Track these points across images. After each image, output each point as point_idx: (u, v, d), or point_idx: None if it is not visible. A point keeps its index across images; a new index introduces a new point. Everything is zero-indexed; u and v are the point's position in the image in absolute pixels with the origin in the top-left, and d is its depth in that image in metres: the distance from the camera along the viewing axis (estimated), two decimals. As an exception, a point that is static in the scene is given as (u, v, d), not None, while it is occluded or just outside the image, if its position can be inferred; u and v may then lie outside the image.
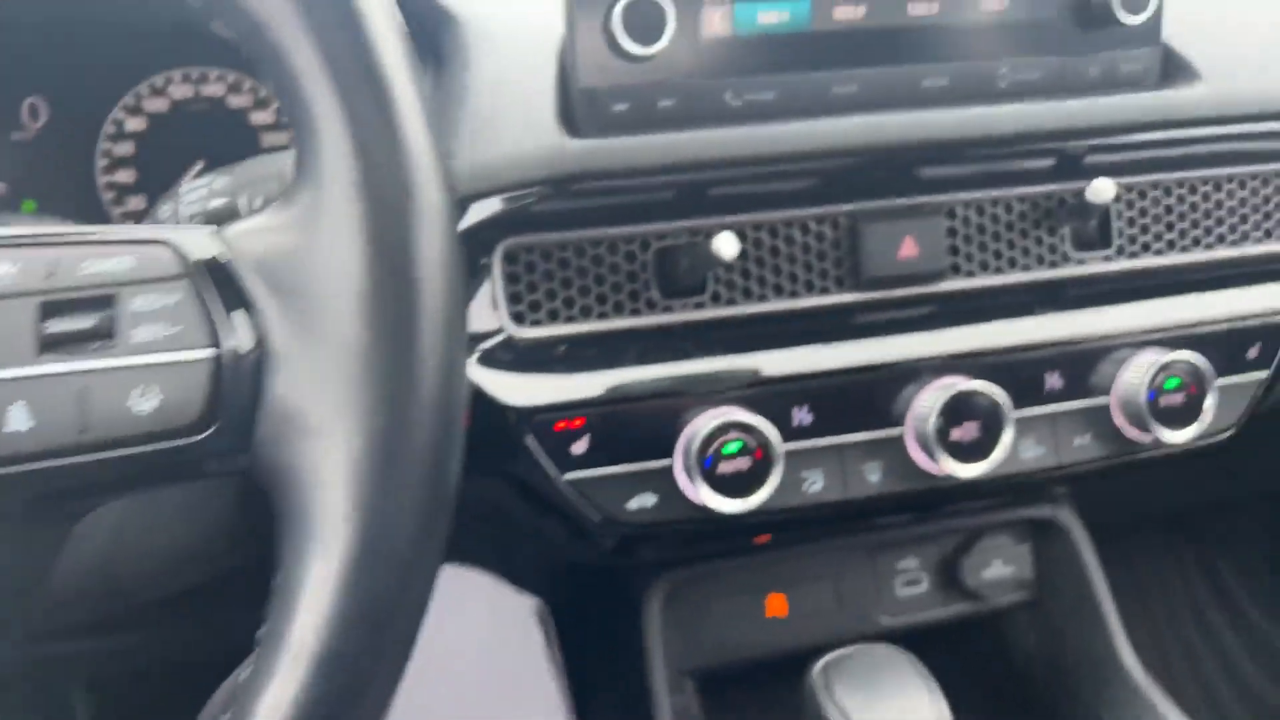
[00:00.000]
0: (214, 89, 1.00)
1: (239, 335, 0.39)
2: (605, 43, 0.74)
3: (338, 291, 0.39)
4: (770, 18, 0.78)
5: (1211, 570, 1.49)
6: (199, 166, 0.99)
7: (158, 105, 0.99)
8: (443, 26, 0.83)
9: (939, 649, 1.19)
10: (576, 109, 0.76)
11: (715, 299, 0.81)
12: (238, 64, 1.00)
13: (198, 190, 0.59)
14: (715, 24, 0.77)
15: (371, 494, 0.38)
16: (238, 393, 0.39)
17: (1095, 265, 0.89)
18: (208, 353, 0.39)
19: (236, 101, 1.01)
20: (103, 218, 0.98)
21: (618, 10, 0.73)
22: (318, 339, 0.39)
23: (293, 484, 0.38)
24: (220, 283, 0.39)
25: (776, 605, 1.01)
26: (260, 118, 1.02)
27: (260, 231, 0.41)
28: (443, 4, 0.82)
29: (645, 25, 0.73)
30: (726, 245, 0.75)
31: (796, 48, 0.78)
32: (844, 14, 0.79)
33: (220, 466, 0.40)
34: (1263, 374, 0.87)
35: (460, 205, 0.75)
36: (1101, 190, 0.83)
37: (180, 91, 0.99)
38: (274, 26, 0.40)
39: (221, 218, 0.59)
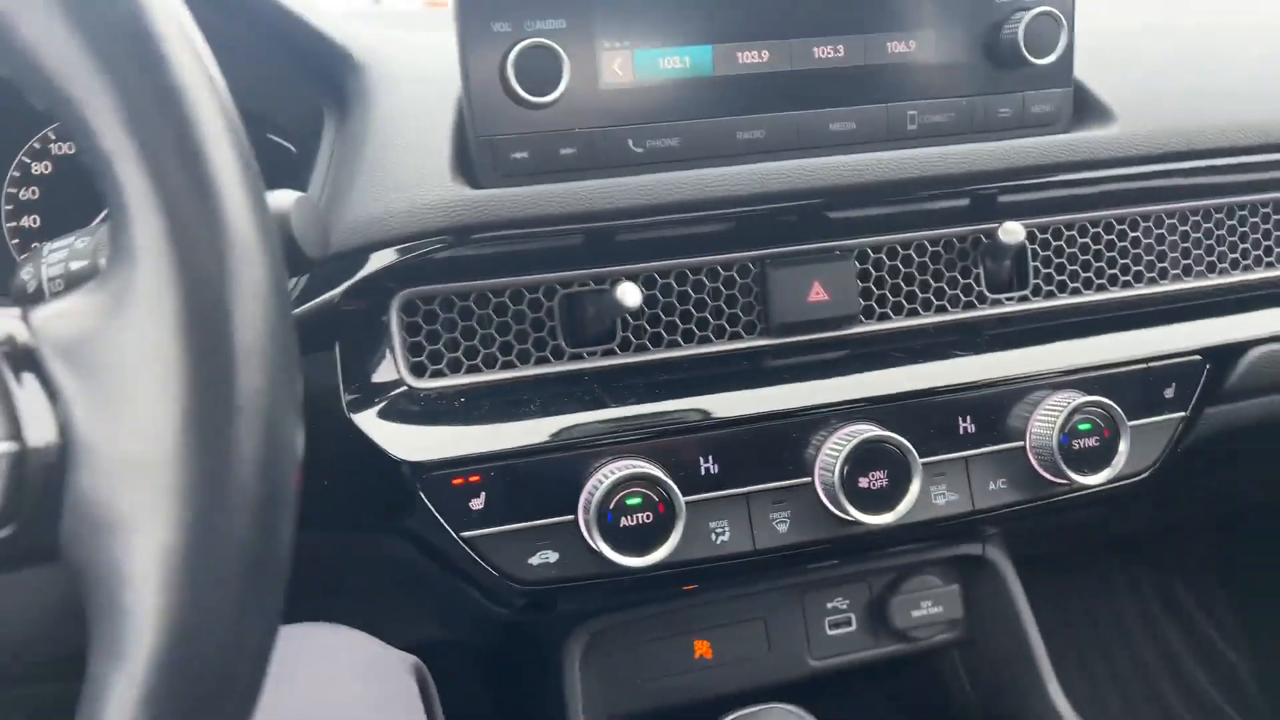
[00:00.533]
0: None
1: (41, 426, 0.37)
2: (501, 91, 0.73)
3: (148, 378, 0.37)
4: (672, 64, 0.77)
5: (1164, 593, 1.49)
6: (102, 216, 0.97)
7: (65, 148, 0.97)
8: (345, 70, 0.81)
9: (871, 689, 1.18)
10: (475, 158, 0.75)
11: (625, 346, 0.80)
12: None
13: (59, 252, 0.57)
14: (615, 71, 0.76)
15: (182, 593, 0.36)
16: (39, 488, 0.37)
17: (1010, 306, 0.88)
18: (6, 446, 0.37)
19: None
20: (9, 265, 0.96)
21: (511, 58, 0.72)
22: (126, 429, 0.37)
23: (99, 583, 0.37)
24: (22, 370, 0.38)
25: (704, 648, 1.00)
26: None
27: (69, 314, 0.39)
28: (344, 48, 0.81)
29: (541, 73, 0.72)
30: (629, 295, 0.74)
31: (700, 93, 0.78)
32: (747, 59, 0.78)
33: (27, 562, 0.38)
34: (1179, 414, 0.86)
35: (357, 256, 0.73)
36: (1012, 232, 0.83)
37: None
38: (80, 99, 0.38)
39: (82, 280, 0.57)
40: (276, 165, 0.90)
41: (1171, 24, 0.99)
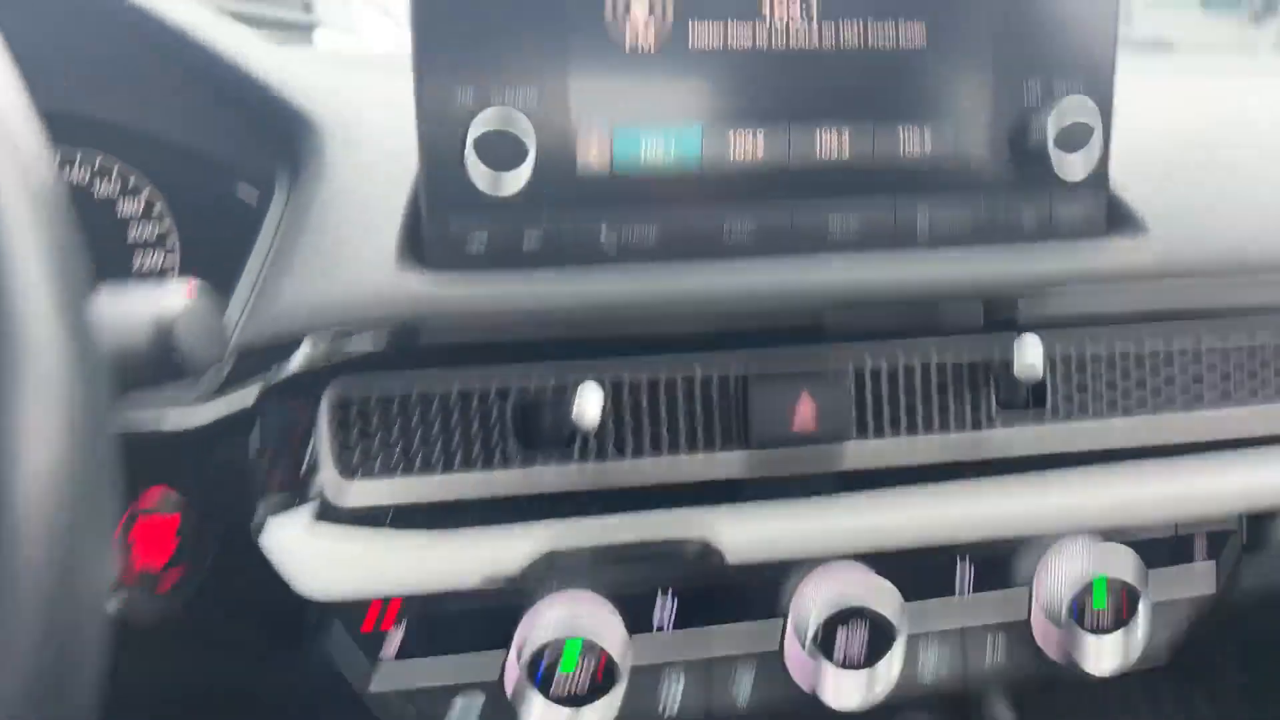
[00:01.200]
0: (79, 174, 0.92)
1: None
2: (460, 168, 0.65)
3: None
4: (655, 145, 0.69)
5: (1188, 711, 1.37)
6: None
7: None
8: (298, 131, 0.74)
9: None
10: (427, 241, 0.67)
11: (584, 455, 0.72)
12: (106, 146, 0.92)
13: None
14: (591, 151, 0.68)
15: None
16: None
17: (1023, 427, 0.79)
18: None
19: (103, 189, 0.92)
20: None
21: (473, 132, 0.64)
22: None
23: None
24: None
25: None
26: (129, 207, 0.93)
27: None
28: (299, 108, 0.74)
29: (507, 150, 0.65)
30: (588, 407, 0.65)
31: (684, 180, 0.70)
32: (740, 143, 0.70)
33: None
34: (1208, 592, 0.76)
35: (285, 346, 0.66)
36: (1029, 348, 0.74)
37: (40, 175, 0.91)
38: None
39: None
40: (247, 217, 0.83)
41: (1207, 125, 0.89)
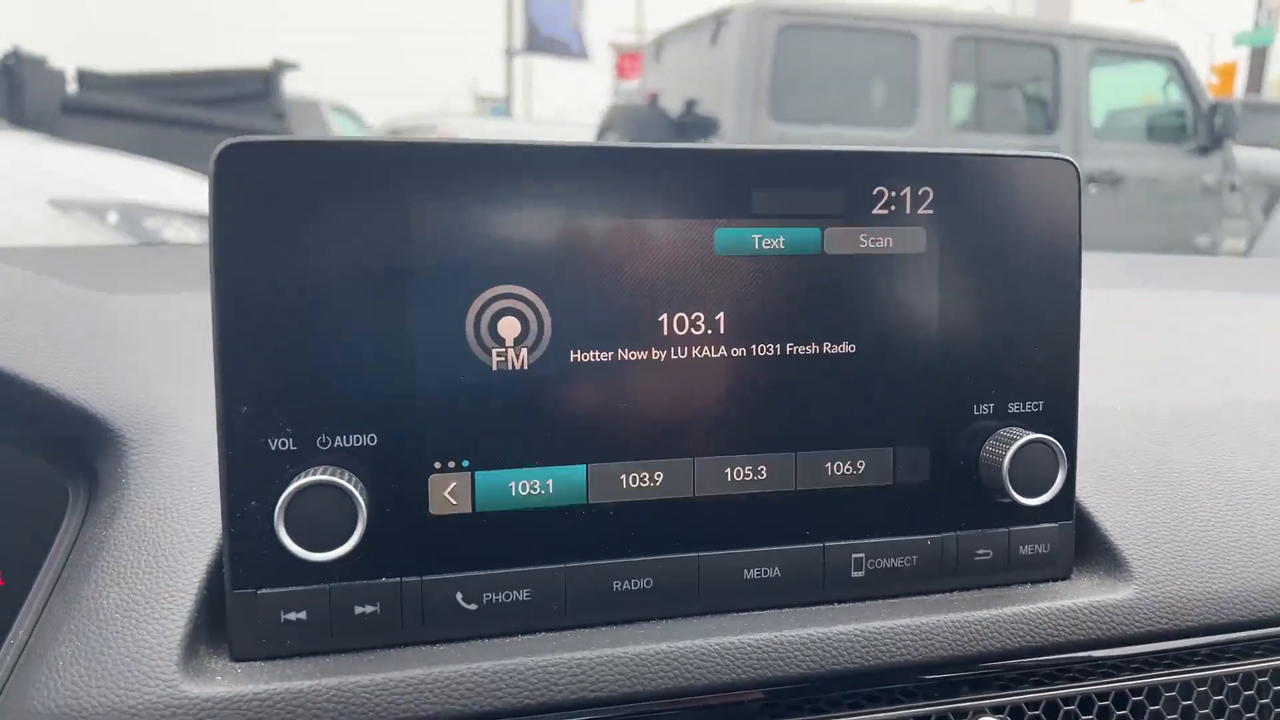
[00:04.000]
0: None
1: None
2: (272, 539, 0.51)
3: None
4: (529, 489, 0.56)
5: None
6: None
7: None
8: (100, 446, 0.60)
9: None
10: (230, 618, 0.52)
11: None
12: None
13: None
14: (446, 499, 0.54)
15: None
16: None
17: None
18: None
19: None
20: None
21: (282, 502, 0.50)
22: None
23: None
24: None
25: None
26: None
27: None
28: (102, 419, 0.60)
29: (325, 521, 0.51)
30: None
31: (565, 527, 0.56)
32: (635, 483, 0.57)
33: None
34: None
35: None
36: (991, 726, 0.60)
37: None
38: None
39: None
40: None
41: (1187, 426, 0.79)
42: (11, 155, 3.16)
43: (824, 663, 0.57)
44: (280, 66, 6.19)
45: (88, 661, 0.51)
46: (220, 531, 0.55)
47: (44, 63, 5.48)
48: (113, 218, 2.84)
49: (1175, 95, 6.88)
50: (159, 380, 0.65)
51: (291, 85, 6.93)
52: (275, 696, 0.50)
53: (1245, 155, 6.97)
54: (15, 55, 5.35)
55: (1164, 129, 6.81)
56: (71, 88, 5.81)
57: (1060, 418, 0.62)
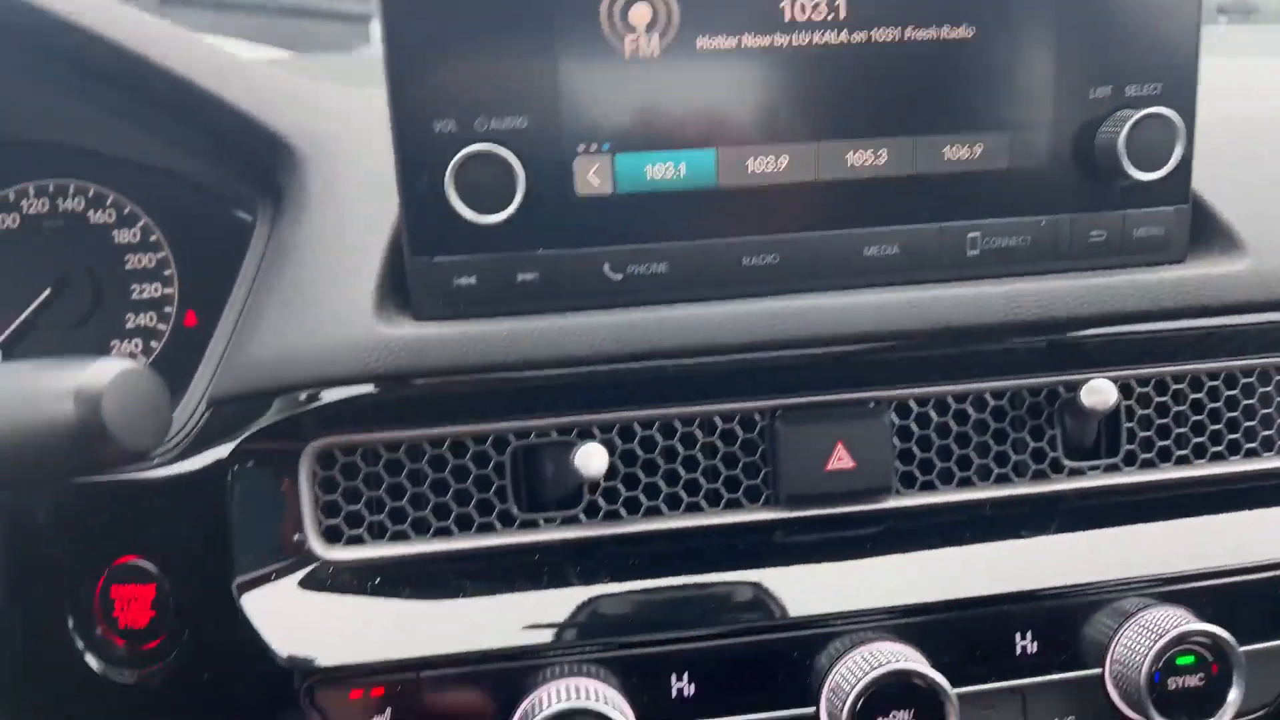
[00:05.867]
0: (72, 203, 0.87)
1: None
2: (444, 204, 0.58)
3: None
4: (663, 171, 0.61)
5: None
6: (46, 293, 0.87)
7: (6, 222, 0.87)
8: (279, 164, 0.68)
9: None
10: (411, 284, 0.60)
11: (592, 513, 0.65)
12: (99, 176, 0.87)
13: None
14: (589, 180, 0.60)
15: None
16: None
17: (1095, 479, 0.69)
18: None
19: (98, 217, 0.88)
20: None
21: (451, 168, 0.57)
22: None
23: None
24: None
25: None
26: (125, 235, 0.89)
27: None
28: (281, 136, 0.68)
29: (491, 185, 0.58)
30: (592, 460, 0.59)
31: (698, 208, 0.62)
32: (760, 166, 0.62)
33: None
34: None
35: (261, 399, 0.60)
36: (1100, 392, 0.64)
37: (34, 206, 0.87)
38: None
39: None
40: (243, 246, 0.78)
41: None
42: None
43: (944, 318, 0.61)
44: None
45: (303, 314, 0.60)
46: (397, 215, 0.63)
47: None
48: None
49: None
50: (333, 108, 0.72)
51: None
52: (457, 335, 0.58)
53: None
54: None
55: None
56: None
57: (1180, 97, 0.63)
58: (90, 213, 0.88)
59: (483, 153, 0.57)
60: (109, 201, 0.89)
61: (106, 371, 0.43)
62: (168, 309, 0.84)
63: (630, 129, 0.60)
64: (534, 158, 0.59)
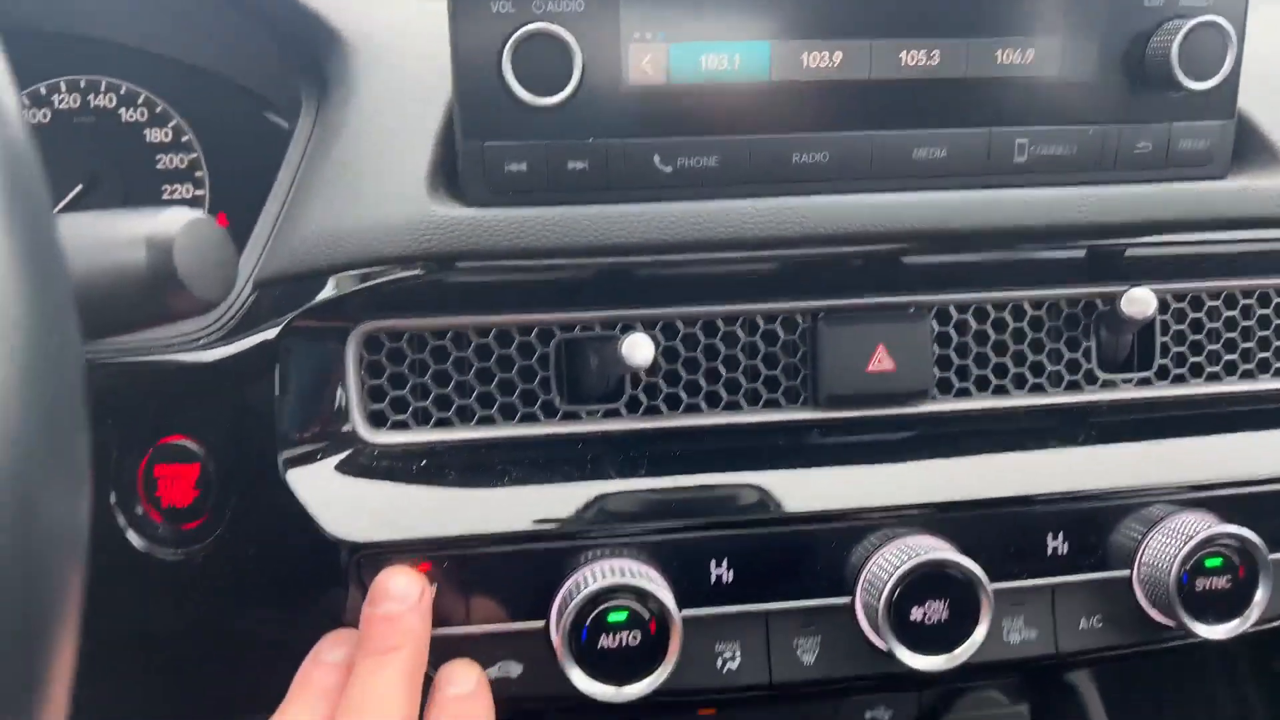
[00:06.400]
0: (104, 100, 0.87)
1: None
2: (498, 86, 0.58)
3: None
4: (717, 63, 0.61)
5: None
6: (77, 190, 0.86)
7: (38, 116, 0.86)
8: (326, 50, 0.68)
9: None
10: (462, 168, 0.60)
11: (633, 408, 0.65)
12: (132, 73, 0.87)
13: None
14: (643, 69, 0.60)
15: None
16: None
17: (1128, 390, 0.70)
18: None
19: (129, 115, 0.87)
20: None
21: (510, 47, 0.57)
22: None
23: None
24: None
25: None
26: (157, 135, 0.88)
27: None
28: (326, 21, 0.67)
29: (547, 67, 0.57)
30: (639, 349, 0.59)
31: (750, 102, 0.62)
32: (814, 62, 0.62)
33: None
34: None
35: (311, 279, 0.60)
36: (1140, 302, 0.65)
37: (65, 101, 0.86)
38: None
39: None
40: (276, 150, 0.78)
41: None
42: None
43: (989, 219, 0.62)
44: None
45: (351, 197, 0.60)
46: (448, 102, 0.63)
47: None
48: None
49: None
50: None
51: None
52: (509, 219, 0.58)
53: None
54: None
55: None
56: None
57: (1231, 6, 0.63)
58: (122, 110, 0.88)
59: (540, 32, 0.56)
60: (141, 100, 0.88)
61: (177, 220, 0.43)
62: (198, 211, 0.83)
63: (685, 19, 0.60)
64: (588, 44, 0.59)
